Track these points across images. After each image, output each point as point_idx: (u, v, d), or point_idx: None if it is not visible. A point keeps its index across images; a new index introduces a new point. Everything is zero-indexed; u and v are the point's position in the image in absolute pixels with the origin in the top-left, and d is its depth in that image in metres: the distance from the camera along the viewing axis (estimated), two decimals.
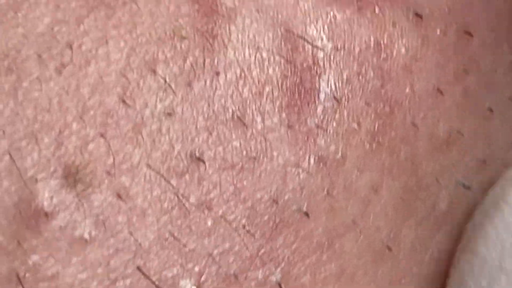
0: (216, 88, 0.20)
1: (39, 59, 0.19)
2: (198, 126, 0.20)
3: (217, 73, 0.20)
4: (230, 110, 0.20)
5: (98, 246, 0.20)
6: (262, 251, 0.21)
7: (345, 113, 0.21)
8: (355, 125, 0.21)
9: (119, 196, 0.20)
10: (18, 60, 0.19)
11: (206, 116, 0.20)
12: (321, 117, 0.21)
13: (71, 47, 0.19)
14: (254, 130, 0.21)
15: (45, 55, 0.19)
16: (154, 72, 0.20)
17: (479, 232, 0.23)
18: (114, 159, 0.20)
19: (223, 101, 0.20)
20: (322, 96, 0.21)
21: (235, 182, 0.20)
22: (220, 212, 0.20)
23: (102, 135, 0.20)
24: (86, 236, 0.20)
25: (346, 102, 0.21)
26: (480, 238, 0.23)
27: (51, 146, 0.20)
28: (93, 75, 0.20)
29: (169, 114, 0.20)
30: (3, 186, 0.19)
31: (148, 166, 0.20)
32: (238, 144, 0.20)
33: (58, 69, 0.20)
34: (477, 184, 0.23)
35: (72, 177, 0.20)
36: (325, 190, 0.21)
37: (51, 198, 0.20)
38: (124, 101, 0.20)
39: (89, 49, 0.20)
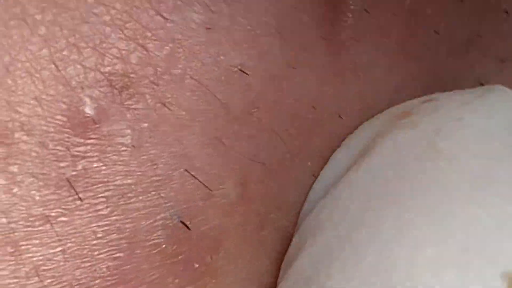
0: (254, 1, 0.21)
1: None
2: (238, 39, 0.21)
3: None
4: (269, 24, 0.21)
5: (144, 151, 0.20)
6: (301, 149, 0.22)
7: (375, 24, 0.22)
8: (384, 35, 0.23)
9: (163, 105, 0.20)
10: None
11: (246, 28, 0.21)
12: (353, 29, 0.22)
13: None
14: (292, 43, 0.21)
15: None
16: None
17: (345, 177, 0.22)
18: (156, 69, 0.20)
19: (262, 14, 0.21)
20: (352, 8, 0.22)
21: (276, 90, 0.21)
22: (263, 119, 0.21)
23: (143, 46, 0.20)
24: (134, 142, 0.20)
25: (375, 13, 0.22)
26: (343, 183, 0.22)
27: (93, 56, 0.20)
28: None
29: (208, 28, 0.21)
30: (50, 94, 0.20)
31: (191, 77, 0.21)
32: (278, 55, 0.21)
33: None
34: (496, 83, 0.24)
35: (117, 85, 0.20)
36: (358, 96, 0.23)
37: (97, 106, 0.20)
38: (162, 15, 0.20)
39: None
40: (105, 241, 0.20)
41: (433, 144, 0.21)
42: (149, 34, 0.20)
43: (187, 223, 0.21)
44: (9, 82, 0.19)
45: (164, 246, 0.20)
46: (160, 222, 0.20)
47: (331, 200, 0.21)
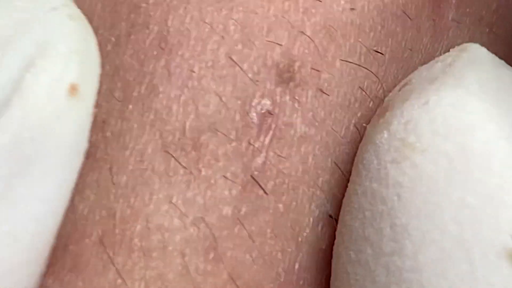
0: None
1: None
2: (373, 22, 0.22)
3: None
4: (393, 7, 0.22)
5: (312, 140, 0.21)
6: None
7: (473, 8, 0.24)
8: (480, 16, 0.24)
9: (322, 91, 0.21)
10: None
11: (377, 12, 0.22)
12: (456, 10, 0.23)
13: None
14: (410, 21, 0.23)
15: None
16: None
17: (345, 199, 0.22)
18: (316, 56, 0.21)
19: None
20: None
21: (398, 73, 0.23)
22: None
23: (303, 33, 0.21)
24: (303, 131, 0.21)
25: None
26: (345, 205, 0.22)
27: (263, 48, 0.21)
28: None
29: (352, 9, 0.22)
30: (229, 91, 0.21)
31: (341, 60, 0.21)
32: (400, 33, 0.23)
33: None
34: None
35: (284, 75, 0.21)
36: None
37: (270, 99, 0.21)
38: None
39: None
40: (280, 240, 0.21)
41: (405, 142, 0.20)
42: (306, 20, 0.21)
43: None
44: (194, 83, 0.21)
45: None
46: None
47: (340, 227, 0.21)
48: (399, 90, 0.22)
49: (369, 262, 0.20)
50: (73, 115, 0.19)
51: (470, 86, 0.21)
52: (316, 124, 0.21)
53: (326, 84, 0.21)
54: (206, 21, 0.21)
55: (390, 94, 0.23)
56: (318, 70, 0.21)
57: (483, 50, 0.22)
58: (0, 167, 0.18)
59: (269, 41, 0.21)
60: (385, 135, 0.21)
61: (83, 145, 0.19)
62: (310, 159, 0.21)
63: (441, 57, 0.22)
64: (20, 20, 0.19)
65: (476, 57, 0.22)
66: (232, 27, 0.21)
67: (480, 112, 0.20)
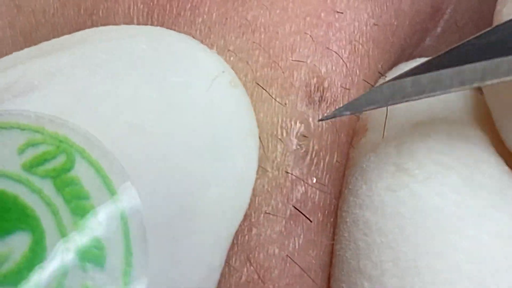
0: None
1: None
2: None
3: None
4: None
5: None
6: None
7: None
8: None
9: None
10: None
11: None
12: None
13: None
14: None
15: None
16: None
17: (336, 229, 0.21)
18: (344, 73, 0.21)
19: None
20: None
21: None
22: None
23: (329, 48, 0.21)
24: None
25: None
26: (336, 235, 0.20)
27: (290, 68, 0.21)
28: None
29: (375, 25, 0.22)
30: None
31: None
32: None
33: None
34: None
35: (314, 96, 0.21)
36: None
37: (302, 121, 0.21)
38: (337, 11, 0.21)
39: None
40: None
41: (400, 167, 0.19)
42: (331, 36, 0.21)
43: None
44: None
45: None
46: None
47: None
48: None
49: None
50: None
51: (459, 113, 0.20)
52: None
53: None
54: (230, 48, 0.21)
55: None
56: (347, 88, 0.21)
57: None
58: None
59: (294, 60, 0.21)
60: (372, 158, 0.20)
61: None
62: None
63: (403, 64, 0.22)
64: (183, 106, 0.19)
65: None
66: (256, 52, 0.21)
67: (478, 142, 0.19)
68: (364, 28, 0.22)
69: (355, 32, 0.21)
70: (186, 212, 0.19)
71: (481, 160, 0.19)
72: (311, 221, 0.20)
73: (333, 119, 0.21)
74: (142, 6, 0.22)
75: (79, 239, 0.18)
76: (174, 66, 0.20)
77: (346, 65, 0.21)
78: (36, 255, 0.17)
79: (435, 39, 0.24)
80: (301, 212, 0.20)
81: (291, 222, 0.20)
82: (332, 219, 0.20)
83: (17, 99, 0.19)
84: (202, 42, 0.22)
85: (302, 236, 0.20)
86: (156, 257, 0.18)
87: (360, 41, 0.21)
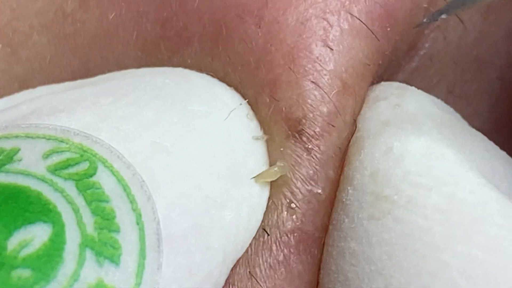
0: None
1: None
2: None
3: None
4: None
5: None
6: None
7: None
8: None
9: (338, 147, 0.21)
10: None
11: None
12: None
13: None
14: None
15: None
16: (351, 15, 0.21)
17: (322, 264, 0.21)
18: (334, 107, 0.21)
19: None
20: None
21: None
22: None
23: (313, 82, 0.21)
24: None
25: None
26: (322, 270, 0.21)
27: (268, 104, 0.21)
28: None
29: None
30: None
31: None
32: None
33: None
34: None
35: (295, 130, 0.21)
36: None
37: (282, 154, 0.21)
38: (328, 46, 0.21)
39: None
40: None
41: (378, 195, 0.19)
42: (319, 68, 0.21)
43: None
44: None
45: None
46: None
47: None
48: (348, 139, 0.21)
49: None
50: None
51: (431, 132, 0.20)
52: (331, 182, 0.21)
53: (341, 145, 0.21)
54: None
55: None
56: (332, 125, 0.21)
57: (420, 91, 0.22)
58: None
59: (273, 93, 0.21)
60: (350, 192, 0.20)
61: None
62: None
63: (379, 94, 0.22)
64: (203, 133, 0.20)
65: (420, 99, 0.22)
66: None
67: (454, 160, 0.19)
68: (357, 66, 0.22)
69: (345, 69, 0.21)
70: (201, 228, 0.20)
71: (460, 176, 0.19)
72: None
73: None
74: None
75: (97, 236, 0.18)
76: (194, 97, 0.22)
77: (332, 102, 0.21)
78: (55, 245, 0.18)
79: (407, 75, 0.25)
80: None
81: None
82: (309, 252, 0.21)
83: (43, 118, 0.21)
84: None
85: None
86: (170, 267, 0.19)
87: (350, 79, 0.21)
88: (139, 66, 0.23)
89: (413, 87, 0.22)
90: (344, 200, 0.20)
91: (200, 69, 0.22)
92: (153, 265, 0.18)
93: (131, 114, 0.21)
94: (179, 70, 0.23)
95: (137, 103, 0.21)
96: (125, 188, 0.19)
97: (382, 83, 0.23)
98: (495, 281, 0.17)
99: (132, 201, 0.19)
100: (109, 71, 0.23)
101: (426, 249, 0.18)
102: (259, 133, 0.22)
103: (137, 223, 0.19)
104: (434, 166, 0.19)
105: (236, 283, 0.20)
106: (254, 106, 0.21)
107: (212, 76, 0.22)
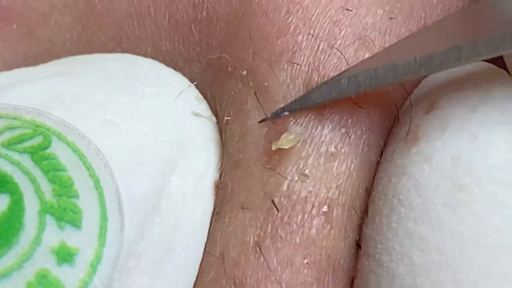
0: None
1: None
2: None
3: None
4: None
5: (344, 158, 0.20)
6: None
7: None
8: None
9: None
10: None
11: None
12: None
13: None
14: None
15: None
16: None
17: (377, 234, 0.20)
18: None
19: None
20: None
21: None
22: None
23: (333, 47, 0.21)
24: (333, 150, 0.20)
25: None
26: (377, 242, 0.19)
27: (286, 69, 0.21)
28: None
29: None
30: (256, 120, 0.21)
31: None
32: None
33: None
34: None
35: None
36: None
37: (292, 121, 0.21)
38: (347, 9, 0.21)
39: None
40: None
41: (457, 183, 0.18)
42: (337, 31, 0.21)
43: None
44: None
45: None
46: None
47: (374, 266, 0.19)
48: (426, 113, 0.20)
49: None
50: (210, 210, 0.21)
51: None
52: (348, 141, 0.21)
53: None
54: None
55: (404, 108, 0.21)
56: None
57: (507, 75, 0.21)
58: (152, 277, 0.19)
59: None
60: (426, 170, 0.19)
61: None
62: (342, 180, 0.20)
63: (466, 73, 0.21)
64: (153, 111, 0.21)
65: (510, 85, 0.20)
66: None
67: None
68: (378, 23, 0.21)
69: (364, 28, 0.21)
70: (158, 190, 0.20)
71: None
72: (289, 217, 0.20)
73: None
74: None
75: (56, 203, 0.18)
76: (143, 80, 0.22)
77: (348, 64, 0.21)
78: (14, 213, 0.18)
79: None
80: (276, 207, 0.20)
81: (269, 216, 0.20)
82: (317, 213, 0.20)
83: None
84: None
85: (280, 231, 0.20)
86: (134, 227, 0.19)
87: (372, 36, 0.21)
88: (175, 48, 0.23)
89: (504, 71, 0.21)
90: (417, 177, 0.19)
91: (227, 51, 0.22)
92: (115, 226, 0.18)
93: (81, 95, 0.21)
94: (128, 55, 0.23)
95: (88, 85, 0.21)
96: (81, 157, 0.19)
97: (471, 63, 0.21)
98: None
99: (89, 168, 0.19)
100: (144, 51, 0.23)
101: (500, 249, 0.17)
102: (209, 114, 0.22)
103: (96, 188, 0.19)
104: None
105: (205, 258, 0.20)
106: (270, 75, 0.21)
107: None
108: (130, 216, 0.19)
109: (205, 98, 0.23)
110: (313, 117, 0.20)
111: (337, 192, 0.20)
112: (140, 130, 0.21)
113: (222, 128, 0.22)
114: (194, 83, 0.23)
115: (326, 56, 0.21)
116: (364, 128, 0.21)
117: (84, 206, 0.18)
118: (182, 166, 0.21)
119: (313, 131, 0.20)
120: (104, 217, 0.18)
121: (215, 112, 0.23)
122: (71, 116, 0.20)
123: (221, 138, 0.22)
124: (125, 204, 0.19)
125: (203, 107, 0.22)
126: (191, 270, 0.20)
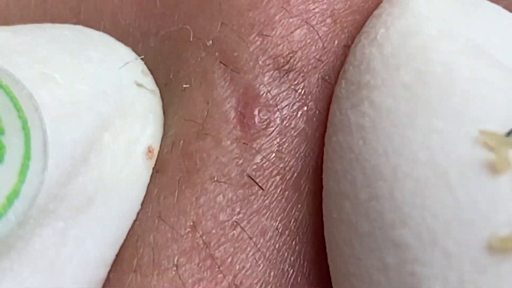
0: None
1: None
2: None
3: None
4: None
5: (316, 132, 0.20)
6: None
7: None
8: None
9: (325, 80, 0.21)
10: None
11: None
12: None
13: None
14: None
15: None
16: None
17: (323, 165, 0.20)
18: (323, 44, 0.21)
19: None
20: None
21: None
22: None
23: (306, 22, 0.21)
24: (305, 124, 0.20)
25: None
26: (325, 171, 0.20)
27: (258, 41, 0.21)
28: None
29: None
30: (224, 90, 0.20)
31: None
32: None
33: None
34: None
35: (283, 67, 0.20)
36: None
37: (268, 92, 0.20)
38: None
39: None
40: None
41: (360, 84, 0.19)
42: (312, 7, 0.21)
43: None
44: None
45: None
46: None
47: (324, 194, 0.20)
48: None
49: (349, 215, 0.18)
50: (145, 178, 0.21)
51: (417, 8, 0.19)
52: (318, 113, 0.21)
53: (325, 73, 0.21)
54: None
55: None
56: (320, 60, 0.21)
57: None
58: (67, 223, 0.19)
59: (263, 31, 0.21)
60: (343, 85, 0.20)
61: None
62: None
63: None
64: (95, 74, 0.21)
65: None
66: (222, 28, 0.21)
67: (428, 32, 0.18)
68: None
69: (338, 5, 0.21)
70: (88, 143, 0.20)
71: (431, 49, 0.18)
72: (263, 189, 0.20)
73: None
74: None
75: None
76: (90, 47, 0.22)
77: (321, 38, 0.21)
78: None
79: None
80: (254, 181, 0.20)
81: (244, 190, 0.20)
82: (291, 184, 0.20)
83: None
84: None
85: (254, 203, 0.20)
86: (58, 169, 0.19)
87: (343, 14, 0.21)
88: (134, 22, 0.23)
89: None
90: (338, 94, 0.20)
91: (191, 23, 0.22)
92: (37, 166, 0.18)
93: (24, 50, 0.21)
94: (79, 26, 0.24)
95: (32, 43, 0.21)
96: (13, 99, 0.19)
97: None
98: (452, 147, 0.17)
99: (19, 109, 0.19)
100: (103, 26, 0.23)
101: (392, 127, 0.18)
102: (153, 88, 0.22)
103: (23, 129, 0.18)
104: (405, 44, 0.19)
105: (179, 229, 0.20)
106: (239, 45, 0.21)
107: None
108: (57, 159, 0.19)
109: (157, 71, 0.22)
110: None
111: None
112: (78, 88, 0.20)
113: (174, 97, 0.22)
114: (147, 57, 0.23)
115: (299, 31, 0.21)
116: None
117: (8, 143, 0.18)
118: (116, 125, 0.21)
119: None
120: (27, 156, 0.18)
121: (168, 82, 0.22)
122: (10, 66, 0.20)
123: (173, 108, 0.22)
124: (53, 147, 0.19)
125: (148, 80, 0.22)
126: (111, 226, 0.20)
